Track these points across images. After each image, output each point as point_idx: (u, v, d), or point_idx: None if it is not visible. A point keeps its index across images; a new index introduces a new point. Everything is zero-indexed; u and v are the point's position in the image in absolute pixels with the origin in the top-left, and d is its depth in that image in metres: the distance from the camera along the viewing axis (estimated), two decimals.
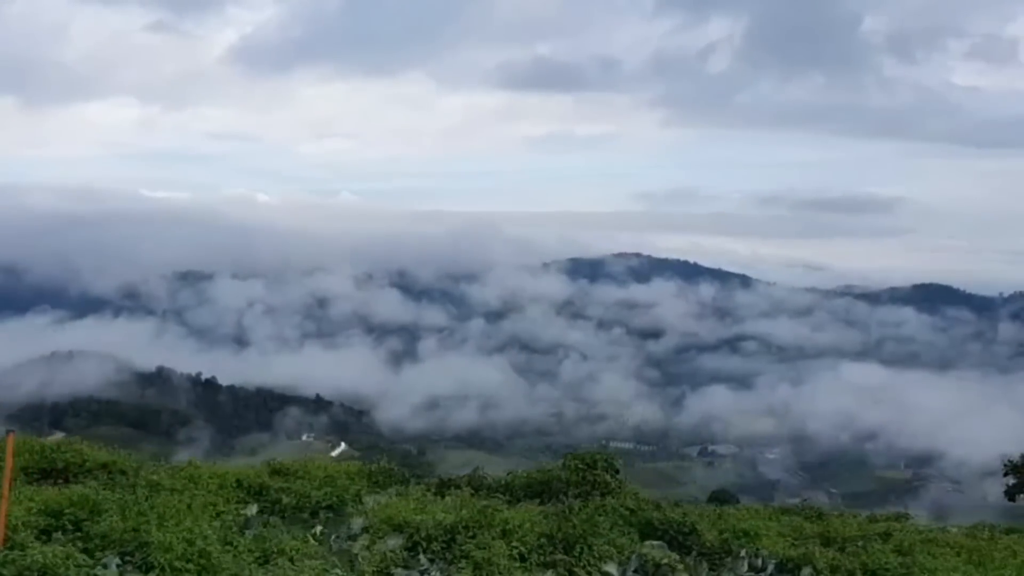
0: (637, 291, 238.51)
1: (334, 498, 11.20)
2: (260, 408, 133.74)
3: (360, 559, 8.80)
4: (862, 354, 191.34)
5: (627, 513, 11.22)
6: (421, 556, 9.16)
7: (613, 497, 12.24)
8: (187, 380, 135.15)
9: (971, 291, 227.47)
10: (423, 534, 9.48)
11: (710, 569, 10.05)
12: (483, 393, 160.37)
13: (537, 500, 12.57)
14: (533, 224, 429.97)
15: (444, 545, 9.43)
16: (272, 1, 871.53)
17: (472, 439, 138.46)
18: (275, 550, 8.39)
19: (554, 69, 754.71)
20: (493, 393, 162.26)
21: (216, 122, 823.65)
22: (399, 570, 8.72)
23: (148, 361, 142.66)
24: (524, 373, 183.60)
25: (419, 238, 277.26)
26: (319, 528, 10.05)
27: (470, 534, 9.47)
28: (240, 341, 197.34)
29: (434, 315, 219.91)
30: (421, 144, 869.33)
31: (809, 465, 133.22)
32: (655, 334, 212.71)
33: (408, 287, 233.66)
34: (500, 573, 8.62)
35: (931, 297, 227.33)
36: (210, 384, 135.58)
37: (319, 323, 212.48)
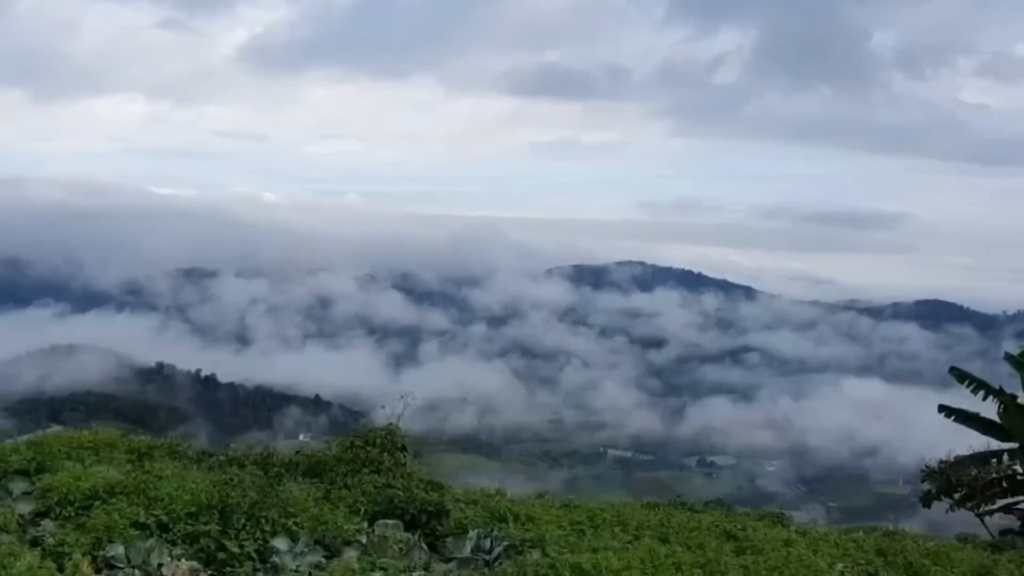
0: (640, 300, 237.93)
1: (33, 464, 10.94)
2: (259, 406, 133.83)
3: None
4: (864, 369, 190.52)
5: (372, 491, 11.03)
6: (47, 521, 8.86)
7: (381, 475, 12.00)
8: (187, 377, 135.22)
9: (975, 308, 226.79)
10: (55, 499, 9.20)
11: (432, 549, 9.95)
12: (482, 398, 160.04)
13: (316, 479, 12.35)
14: (537, 230, 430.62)
15: (78, 511, 9.12)
16: (283, 2, 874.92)
17: (470, 443, 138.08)
18: None
19: (562, 76, 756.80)
20: (493, 398, 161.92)
21: (224, 120, 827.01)
22: (3, 535, 8.41)
23: (149, 357, 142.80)
24: (524, 379, 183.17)
25: (423, 241, 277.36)
26: None
27: (111, 500, 9.13)
28: (242, 339, 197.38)
29: (436, 318, 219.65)
30: (428, 147, 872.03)
31: (808, 479, 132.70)
32: (657, 343, 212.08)
33: (411, 290, 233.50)
34: (122, 539, 8.33)
35: (934, 314, 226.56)
36: (209, 381, 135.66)
37: (321, 323, 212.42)
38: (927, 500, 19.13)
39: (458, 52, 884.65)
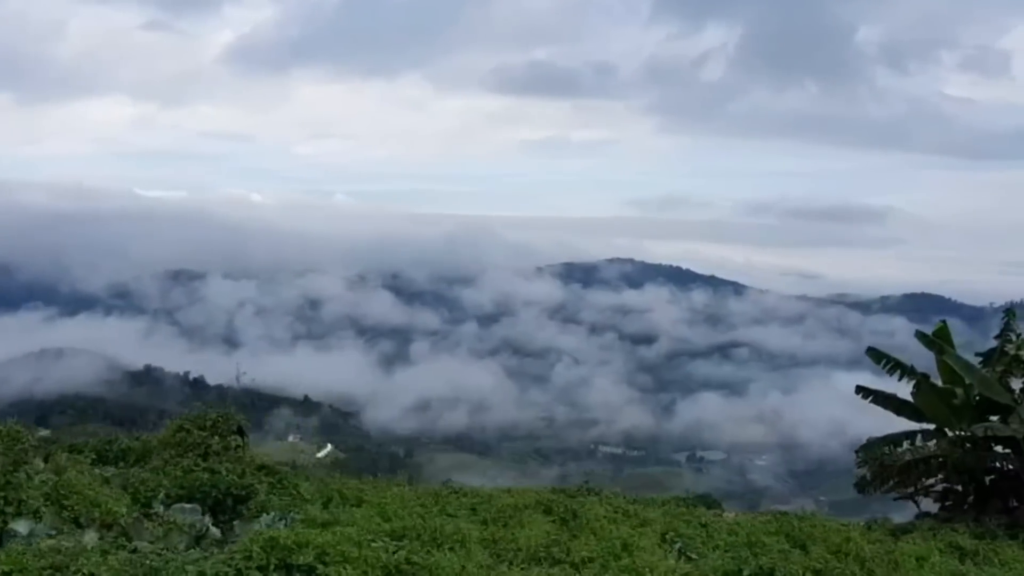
0: (630, 296, 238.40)
1: None
2: (248, 408, 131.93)
3: None
4: (854, 363, 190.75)
5: (181, 475, 11.06)
6: None
7: (208, 459, 11.96)
8: (175, 379, 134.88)
9: (962, 301, 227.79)
10: None
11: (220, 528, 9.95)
12: (474, 396, 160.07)
13: (142, 463, 12.30)
14: (528, 228, 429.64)
15: None
16: (269, 1, 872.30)
17: (461, 442, 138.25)
18: None
19: (551, 74, 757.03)
20: (484, 396, 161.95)
21: (211, 122, 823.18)
22: None
23: (138, 359, 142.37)
24: (516, 377, 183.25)
25: (413, 241, 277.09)
26: None
27: None
28: (231, 341, 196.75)
29: (427, 318, 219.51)
30: (417, 147, 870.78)
31: (798, 472, 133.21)
32: (647, 340, 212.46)
33: (401, 289, 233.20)
34: None
35: (922, 307, 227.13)
36: (198, 383, 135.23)
37: (311, 324, 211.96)
38: (862, 486, 18.92)
39: (447, 51, 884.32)
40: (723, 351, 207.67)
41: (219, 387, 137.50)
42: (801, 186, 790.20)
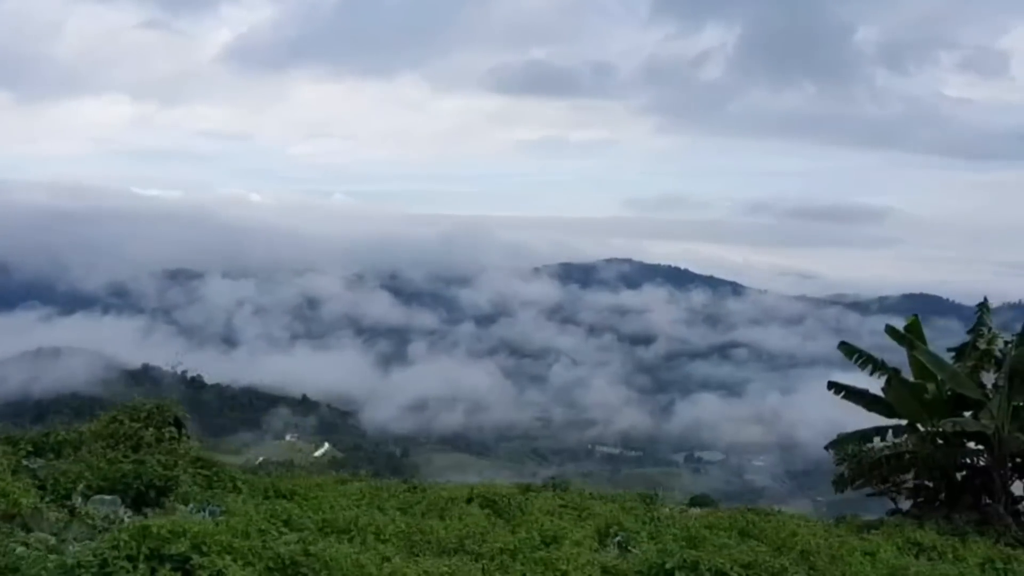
0: (628, 297, 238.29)
1: None
2: (246, 407, 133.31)
3: None
4: (852, 363, 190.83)
5: (105, 466, 10.95)
6: None
7: (140, 451, 11.81)
8: (173, 378, 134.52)
9: (959, 301, 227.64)
10: None
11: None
12: (471, 396, 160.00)
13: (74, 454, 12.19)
14: (525, 228, 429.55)
15: None
16: (267, 1, 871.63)
17: (458, 442, 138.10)
18: None
19: (549, 74, 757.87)
20: (481, 396, 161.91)
21: (209, 121, 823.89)
22: None
23: (135, 359, 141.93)
24: (513, 377, 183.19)
25: (411, 240, 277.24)
26: None
27: None
28: (229, 340, 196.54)
29: (425, 318, 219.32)
30: (415, 147, 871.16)
31: (795, 473, 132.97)
32: (645, 340, 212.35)
33: (399, 289, 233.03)
34: None
35: (920, 307, 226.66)
36: (196, 382, 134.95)
37: (309, 324, 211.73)
38: (840, 484, 18.70)
39: (445, 51, 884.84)
40: (721, 351, 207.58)
41: (217, 386, 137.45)
42: (799, 186, 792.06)
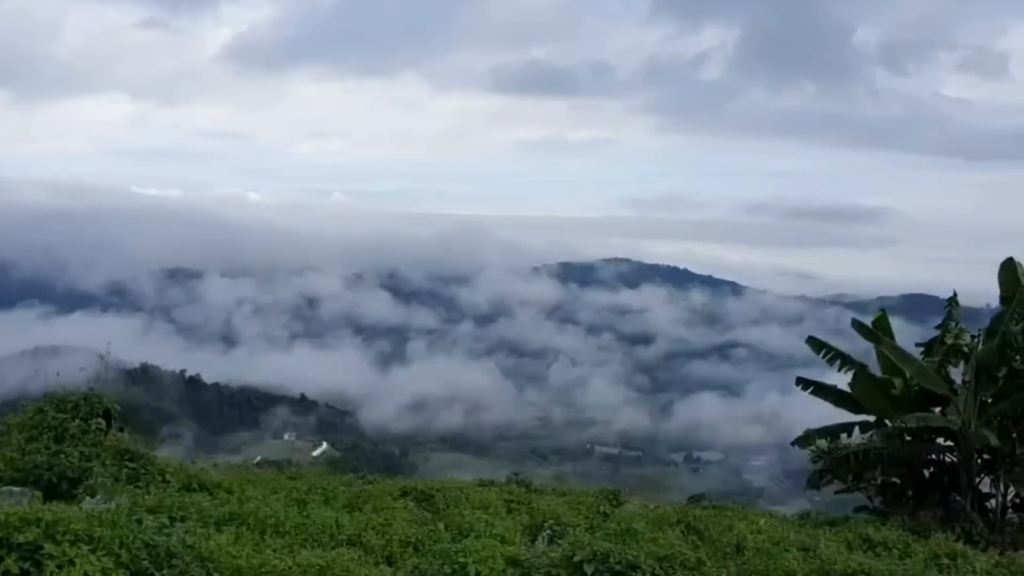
0: (627, 296, 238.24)
1: None
2: (245, 407, 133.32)
3: None
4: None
5: (18, 457, 10.89)
6: None
7: (64, 443, 11.57)
8: (172, 377, 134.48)
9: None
10: None
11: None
12: (470, 396, 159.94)
13: None
14: (524, 228, 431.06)
15: None
16: (266, 0, 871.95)
17: (457, 441, 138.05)
18: None
19: (548, 73, 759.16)
20: (480, 396, 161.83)
21: (209, 120, 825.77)
22: None
23: (134, 358, 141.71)
24: (512, 377, 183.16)
25: (410, 240, 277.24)
26: None
27: None
28: (228, 339, 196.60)
29: (424, 317, 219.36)
30: (414, 146, 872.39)
31: (794, 473, 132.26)
32: (645, 340, 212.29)
33: (398, 288, 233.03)
34: None
35: (919, 307, 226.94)
36: (195, 381, 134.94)
37: (308, 323, 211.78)
38: (813, 481, 18.50)
39: (443, 50, 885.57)
40: (721, 351, 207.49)
41: (215, 385, 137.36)
42: (798, 186, 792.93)
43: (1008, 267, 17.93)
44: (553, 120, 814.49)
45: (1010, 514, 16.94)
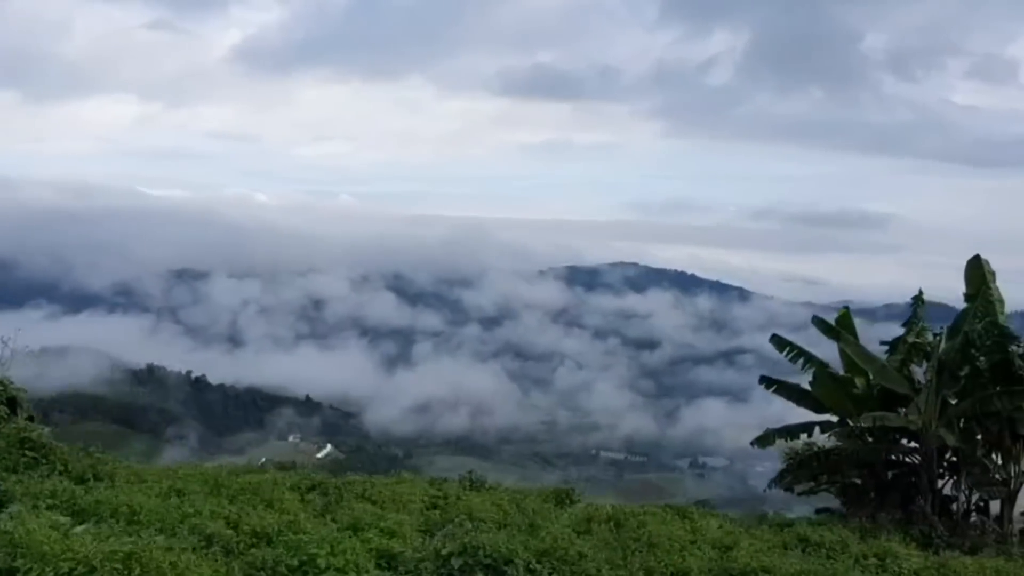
0: (633, 301, 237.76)
1: None
2: (250, 407, 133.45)
3: None
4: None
5: None
6: None
7: None
8: (177, 378, 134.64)
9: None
10: None
11: None
12: (475, 399, 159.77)
13: None
14: (530, 231, 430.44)
15: None
16: (274, 3, 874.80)
17: (462, 444, 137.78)
18: None
19: (554, 77, 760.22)
20: (485, 399, 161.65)
21: (215, 121, 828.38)
22: None
23: (141, 358, 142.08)
24: (518, 380, 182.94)
25: (416, 242, 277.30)
26: None
27: None
28: (234, 340, 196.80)
29: (429, 319, 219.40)
30: (420, 148, 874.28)
31: None
32: (650, 345, 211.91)
33: (404, 291, 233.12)
34: None
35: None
36: (200, 382, 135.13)
37: (313, 324, 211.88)
38: (779, 482, 18.27)
39: (450, 53, 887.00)
40: (727, 357, 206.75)
41: (221, 386, 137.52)
42: (805, 191, 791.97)
43: (974, 265, 17.66)
44: (559, 124, 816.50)
45: (973, 517, 16.66)
